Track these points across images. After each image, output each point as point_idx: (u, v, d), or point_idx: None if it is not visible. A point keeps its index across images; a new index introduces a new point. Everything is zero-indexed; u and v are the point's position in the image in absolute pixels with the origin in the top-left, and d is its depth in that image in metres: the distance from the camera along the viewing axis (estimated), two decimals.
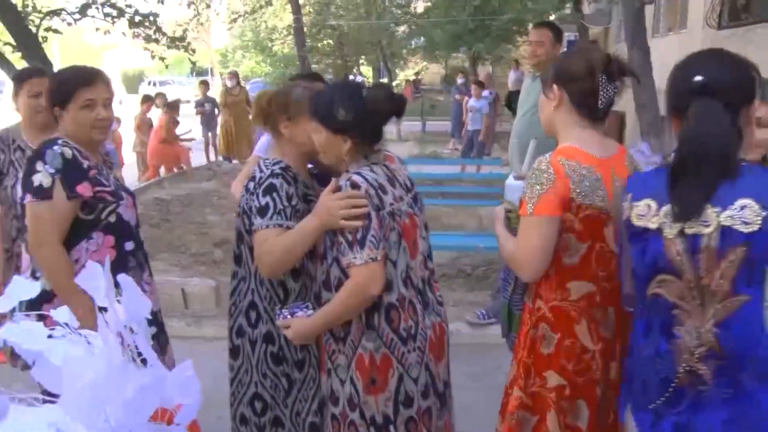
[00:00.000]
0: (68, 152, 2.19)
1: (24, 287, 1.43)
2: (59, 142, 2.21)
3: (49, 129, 2.93)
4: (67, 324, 1.38)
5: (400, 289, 1.97)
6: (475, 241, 5.18)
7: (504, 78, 20.19)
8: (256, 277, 2.18)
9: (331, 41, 20.14)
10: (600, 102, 1.90)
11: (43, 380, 1.31)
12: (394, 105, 1.99)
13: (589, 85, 1.88)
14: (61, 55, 23.29)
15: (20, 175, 2.49)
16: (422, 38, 20.64)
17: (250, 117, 10.93)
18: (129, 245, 2.35)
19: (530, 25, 16.55)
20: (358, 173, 1.93)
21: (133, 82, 34.80)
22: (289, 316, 2.04)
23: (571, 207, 1.82)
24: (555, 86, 1.94)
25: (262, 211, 2.03)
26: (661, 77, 6.09)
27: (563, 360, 1.90)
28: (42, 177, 2.15)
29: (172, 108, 10.15)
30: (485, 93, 11.15)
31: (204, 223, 7.01)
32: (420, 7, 21.02)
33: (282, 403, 2.23)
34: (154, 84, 32.57)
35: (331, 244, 1.97)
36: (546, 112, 2.02)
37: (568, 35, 17.22)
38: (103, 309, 1.36)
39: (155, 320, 2.43)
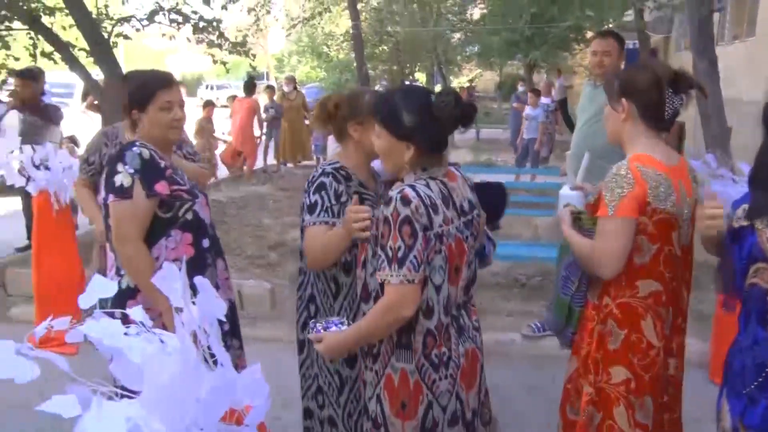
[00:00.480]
0: (146, 153, 2.29)
1: (103, 286, 1.48)
2: (137, 144, 2.32)
3: None
4: (142, 323, 1.43)
5: (440, 316, 1.88)
6: (531, 251, 5.12)
7: None
8: (314, 270, 2.26)
9: (385, 47, 20.23)
10: (666, 114, 2.00)
11: (120, 376, 1.36)
12: (462, 112, 1.88)
13: (656, 98, 1.97)
14: (125, 59, 24.07)
15: None
16: (477, 45, 20.55)
17: (307, 121, 11.21)
18: (206, 242, 2.43)
19: (589, 34, 16.27)
20: (412, 187, 1.84)
21: (191, 86, 35.70)
22: (321, 331, 1.99)
23: (647, 211, 1.93)
24: (623, 99, 2.02)
25: (311, 208, 2.13)
26: (725, 86, 5.91)
27: (630, 355, 1.98)
28: (122, 177, 2.26)
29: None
30: (545, 101, 11.00)
31: (259, 225, 7.13)
32: (476, 14, 20.93)
33: (335, 402, 2.27)
34: (212, 88, 33.37)
35: (372, 253, 1.90)
36: (613, 122, 2.09)
37: (628, 43, 16.87)
38: (179, 309, 1.40)
39: (231, 313, 2.54)
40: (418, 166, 1.90)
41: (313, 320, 2.09)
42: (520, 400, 3.31)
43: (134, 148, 2.29)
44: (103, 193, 2.37)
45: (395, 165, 1.94)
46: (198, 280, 1.40)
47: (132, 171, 2.26)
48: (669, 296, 2.00)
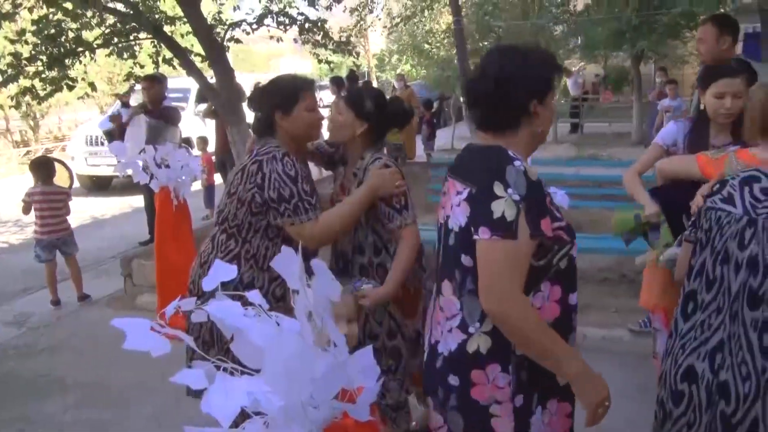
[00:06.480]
0: (533, 172, 1.66)
1: (224, 270, 1.58)
2: (518, 158, 1.68)
3: None
4: (260, 305, 1.51)
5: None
6: (641, 245, 4.92)
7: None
8: None
9: (487, 42, 20.00)
10: None
11: (240, 354, 1.44)
12: (402, 114, 2.73)
13: None
14: (234, 63, 25.15)
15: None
16: (580, 38, 19.86)
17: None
18: (573, 298, 1.75)
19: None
20: (379, 158, 2.56)
21: None
22: (360, 288, 2.41)
23: None
24: None
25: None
26: None
27: None
28: (505, 205, 1.60)
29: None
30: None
31: None
32: (580, 4, 20.23)
33: None
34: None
35: (372, 213, 2.51)
36: None
37: (747, 27, 15.74)
38: (295, 292, 1.47)
39: None
40: (368, 142, 2.60)
41: (348, 283, 2.42)
42: (634, 400, 3.19)
43: (517, 163, 1.64)
44: (460, 218, 1.71)
45: (346, 135, 2.60)
46: (314, 262, 1.46)
47: (518, 198, 1.61)
48: None
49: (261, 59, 39.26)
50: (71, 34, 5.98)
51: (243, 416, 1.37)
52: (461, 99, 12.10)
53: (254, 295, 1.51)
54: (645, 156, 3.09)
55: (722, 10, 12.65)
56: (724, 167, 2.25)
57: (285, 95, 2.49)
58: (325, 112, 2.83)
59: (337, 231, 2.50)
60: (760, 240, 1.70)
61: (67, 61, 5.83)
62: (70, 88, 6.07)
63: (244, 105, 6.33)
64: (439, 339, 1.78)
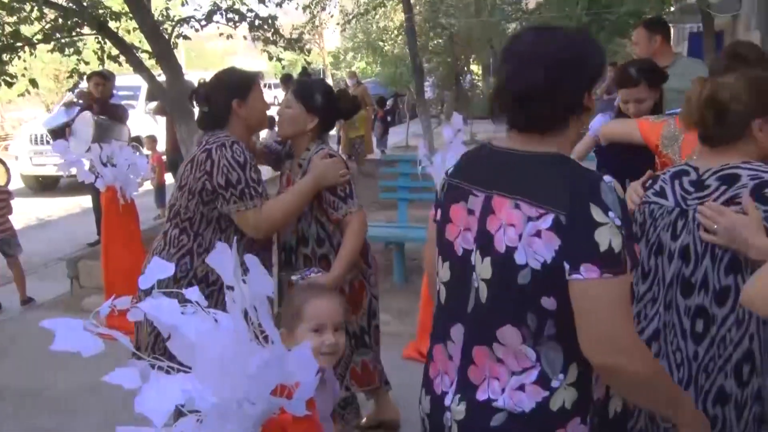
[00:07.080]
0: (620, 189, 1.37)
1: (161, 268, 1.55)
2: (605, 176, 1.37)
3: None
4: (197, 302, 1.49)
5: None
6: None
7: None
8: None
9: (440, 40, 20.14)
10: None
11: (177, 352, 1.42)
12: (350, 106, 2.87)
13: None
14: (186, 61, 24.72)
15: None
16: None
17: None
18: None
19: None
20: (323, 148, 2.64)
21: None
22: (310, 276, 2.46)
23: None
24: None
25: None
26: None
27: None
28: (610, 233, 1.29)
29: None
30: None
31: None
32: (531, 3, 20.55)
33: None
34: (270, 87, 33.94)
35: (316, 203, 2.56)
36: None
37: (690, 26, 16.19)
38: (230, 288, 1.46)
39: None
40: (316, 135, 2.66)
41: (294, 274, 2.53)
42: None
43: (607, 178, 1.35)
44: (542, 252, 1.32)
45: (297, 130, 2.64)
46: (247, 258, 1.44)
47: (620, 223, 1.31)
48: None
49: (215, 57, 38.65)
50: (8, 29, 5.79)
51: (180, 415, 1.35)
52: (415, 96, 12.13)
53: (192, 292, 1.50)
54: (578, 147, 3.27)
55: (667, 10, 13.00)
56: (662, 129, 2.44)
57: (241, 82, 2.53)
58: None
59: (280, 220, 2.50)
60: (691, 230, 1.75)
61: (4, 56, 5.65)
62: (9, 84, 5.88)
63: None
64: (495, 396, 1.42)
